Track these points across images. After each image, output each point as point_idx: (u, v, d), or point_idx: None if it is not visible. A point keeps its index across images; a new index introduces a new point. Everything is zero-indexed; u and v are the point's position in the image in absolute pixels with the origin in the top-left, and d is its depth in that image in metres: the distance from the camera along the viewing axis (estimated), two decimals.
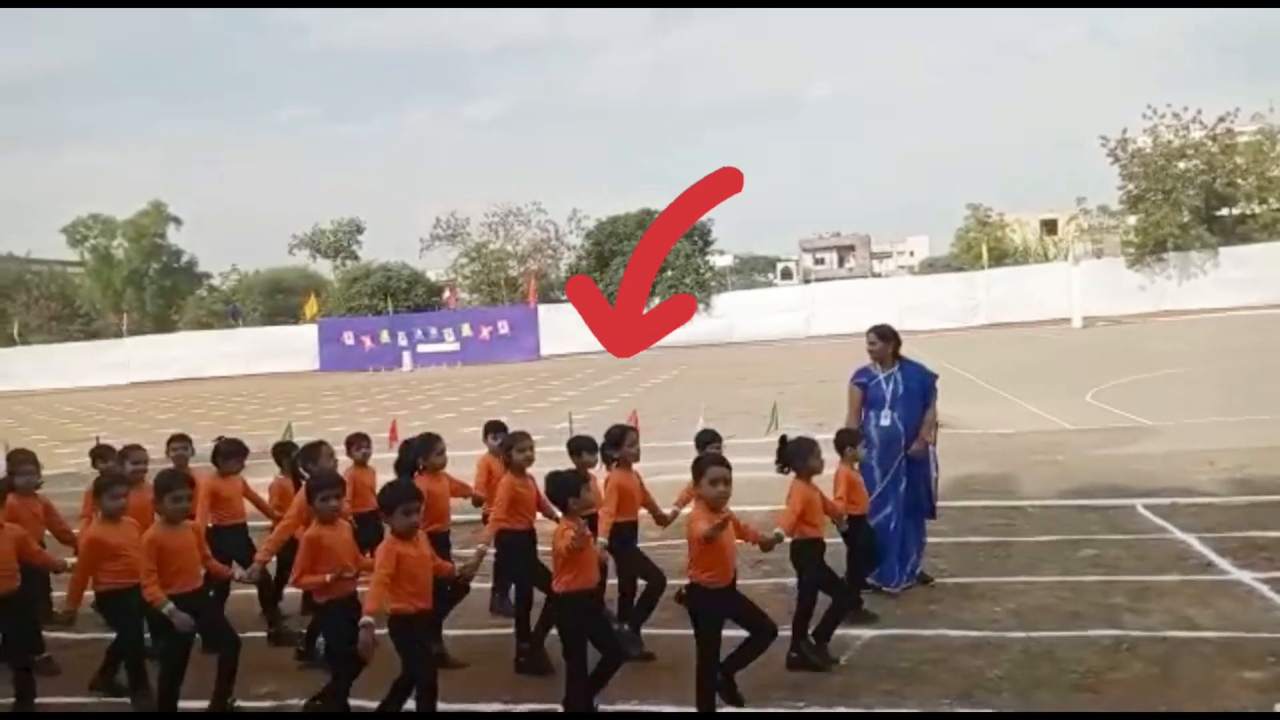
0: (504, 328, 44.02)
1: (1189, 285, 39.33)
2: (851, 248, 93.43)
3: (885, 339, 6.84)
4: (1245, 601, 5.91)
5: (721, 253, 55.38)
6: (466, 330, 44.43)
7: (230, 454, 6.64)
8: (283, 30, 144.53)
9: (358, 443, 6.92)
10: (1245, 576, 6.31)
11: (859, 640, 5.77)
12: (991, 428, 13.21)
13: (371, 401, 26.46)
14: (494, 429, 6.93)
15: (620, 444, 5.98)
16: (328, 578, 4.72)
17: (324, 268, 61.96)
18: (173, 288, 63.50)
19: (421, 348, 44.38)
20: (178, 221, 64.47)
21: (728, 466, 4.82)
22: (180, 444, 6.96)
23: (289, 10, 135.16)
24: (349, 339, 45.65)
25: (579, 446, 5.98)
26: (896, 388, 6.74)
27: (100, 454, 7.05)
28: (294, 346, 46.25)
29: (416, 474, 5.89)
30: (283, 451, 6.94)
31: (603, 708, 4.86)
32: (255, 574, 5.77)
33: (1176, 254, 40.28)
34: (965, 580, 6.76)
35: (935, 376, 6.96)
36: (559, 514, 5.01)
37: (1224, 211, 43.35)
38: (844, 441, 6.24)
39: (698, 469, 4.82)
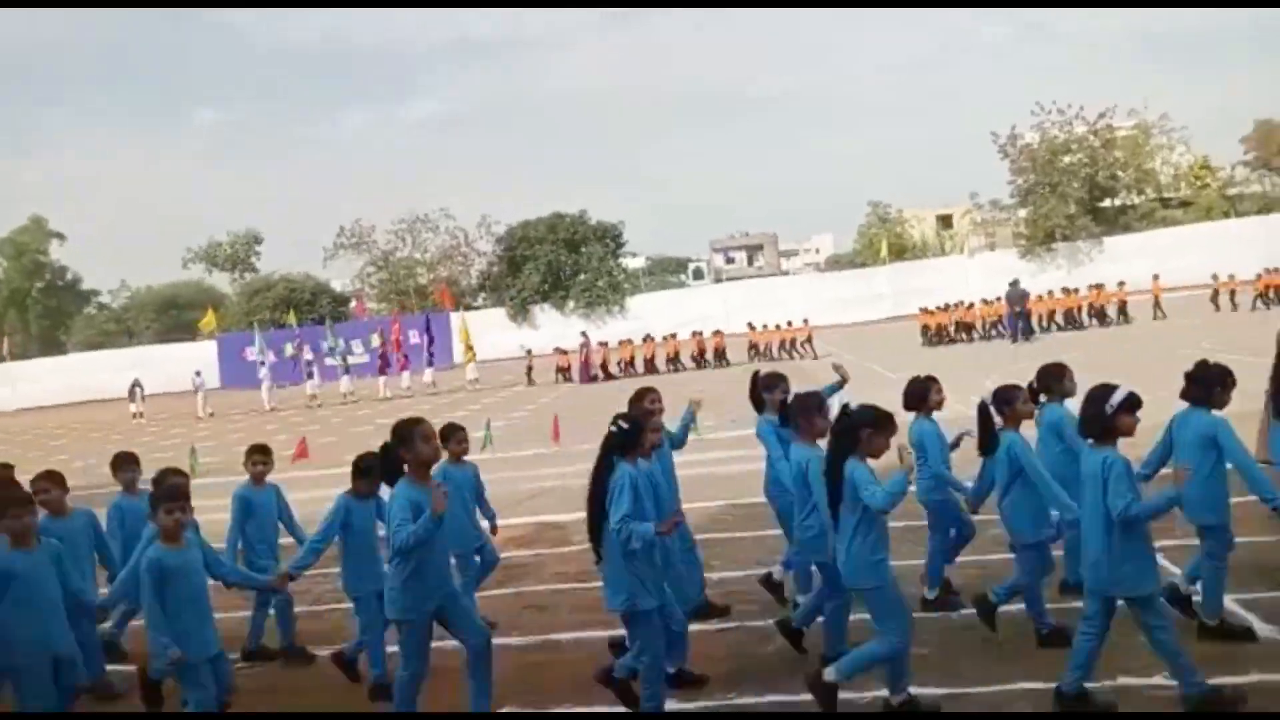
0: (415, 337, 43.19)
1: (1077, 274, 41.25)
2: (760, 247, 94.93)
3: None
4: None
5: (634, 255, 55.58)
6: (376, 341, 43.42)
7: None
8: (176, 29, 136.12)
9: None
10: None
11: None
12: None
13: (277, 419, 25.61)
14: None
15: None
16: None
17: (221, 281, 59.77)
18: (58, 307, 60.29)
19: (329, 360, 43.19)
20: (60, 237, 61.24)
21: None
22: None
23: (189, 10, 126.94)
24: (251, 354, 44.12)
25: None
26: None
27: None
28: (193, 364, 44.40)
29: None
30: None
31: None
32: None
33: (1064, 244, 42.29)
34: None
35: None
36: None
37: (1106, 203, 45.73)
38: None
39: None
